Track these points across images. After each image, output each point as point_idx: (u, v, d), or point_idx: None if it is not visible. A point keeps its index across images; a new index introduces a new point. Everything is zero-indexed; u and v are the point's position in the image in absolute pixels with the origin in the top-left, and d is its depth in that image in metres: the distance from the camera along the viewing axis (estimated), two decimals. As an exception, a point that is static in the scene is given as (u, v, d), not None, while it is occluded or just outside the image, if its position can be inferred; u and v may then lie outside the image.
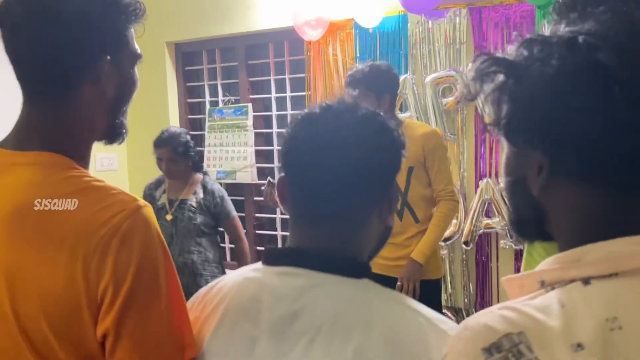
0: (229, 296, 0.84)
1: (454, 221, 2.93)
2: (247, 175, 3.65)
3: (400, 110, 3.06)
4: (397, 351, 0.72)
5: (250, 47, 3.75)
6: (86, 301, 0.76)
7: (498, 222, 2.84)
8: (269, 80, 3.70)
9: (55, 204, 0.77)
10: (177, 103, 4.02)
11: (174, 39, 3.91)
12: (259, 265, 0.87)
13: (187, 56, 4.02)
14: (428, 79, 2.94)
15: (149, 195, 2.89)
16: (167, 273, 0.80)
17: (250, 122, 3.67)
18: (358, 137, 0.81)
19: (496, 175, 2.87)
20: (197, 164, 2.88)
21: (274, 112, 3.69)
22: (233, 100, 3.84)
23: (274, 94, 3.68)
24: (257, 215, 3.83)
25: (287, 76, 3.62)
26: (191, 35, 3.83)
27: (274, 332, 0.77)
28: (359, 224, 0.84)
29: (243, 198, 3.84)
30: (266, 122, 3.80)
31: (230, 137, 3.74)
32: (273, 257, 0.85)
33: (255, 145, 3.71)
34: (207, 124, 3.84)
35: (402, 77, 3.00)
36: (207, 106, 3.92)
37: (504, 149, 0.68)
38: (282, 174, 0.88)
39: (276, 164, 3.71)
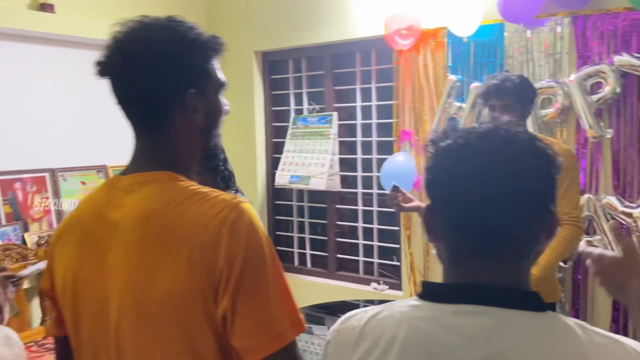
0: (398, 336, 0.80)
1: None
2: (322, 182, 3.64)
3: (495, 121, 2.97)
4: None
5: (337, 55, 3.77)
6: (208, 285, 0.86)
7: (600, 240, 2.71)
8: (354, 89, 3.71)
9: (173, 208, 0.91)
10: (263, 111, 4.09)
11: (262, 48, 3.99)
12: (416, 302, 0.83)
13: (273, 65, 4.09)
14: (525, 89, 2.84)
15: None
16: (271, 256, 0.90)
17: (334, 130, 3.68)
18: (526, 168, 0.79)
19: (596, 190, 2.74)
20: (226, 180, 2.50)
21: (359, 121, 3.69)
22: (318, 109, 3.87)
23: (359, 103, 3.68)
24: (338, 223, 3.84)
25: (373, 85, 3.62)
26: (278, 44, 3.89)
27: None
28: (526, 255, 0.82)
29: (325, 205, 3.85)
30: (350, 130, 3.80)
31: (311, 144, 3.75)
32: (441, 294, 0.82)
33: (340, 153, 3.71)
34: (289, 131, 3.89)
35: (497, 87, 2.93)
36: (292, 114, 3.97)
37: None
38: (429, 204, 0.85)
39: (360, 172, 3.70)
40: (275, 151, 4.10)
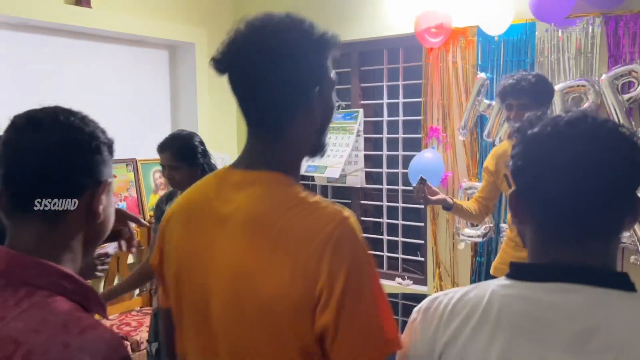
0: (491, 313, 0.84)
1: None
2: (337, 171, 3.66)
3: (525, 118, 3.02)
4: None
5: (364, 53, 3.82)
6: (306, 299, 0.86)
7: (628, 237, 2.75)
8: (381, 86, 3.75)
9: (280, 215, 0.90)
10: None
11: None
12: (506, 281, 0.88)
13: (299, 61, 4.12)
14: (558, 87, 2.88)
15: (159, 210, 2.61)
16: (371, 274, 0.89)
17: (359, 127, 3.72)
18: (615, 155, 0.83)
19: (627, 188, 2.78)
20: (206, 173, 2.18)
21: (385, 118, 3.74)
22: (344, 106, 3.91)
23: (385, 100, 3.73)
24: (362, 218, 3.88)
25: (400, 82, 3.66)
26: (305, 41, 3.92)
27: (570, 349, 0.78)
28: (614, 239, 0.86)
29: (350, 201, 3.90)
30: (376, 128, 3.85)
31: (333, 138, 3.77)
32: (533, 273, 0.86)
33: (365, 150, 3.76)
34: (315, 128, 3.92)
35: (527, 86, 2.97)
36: (317, 110, 4.00)
37: None
38: (516, 189, 0.90)
39: (385, 168, 3.75)
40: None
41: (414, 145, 3.59)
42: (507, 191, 2.42)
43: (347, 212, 0.91)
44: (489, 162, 2.58)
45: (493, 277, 2.52)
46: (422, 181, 2.46)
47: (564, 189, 0.83)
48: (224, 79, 0.98)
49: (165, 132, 3.96)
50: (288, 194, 0.93)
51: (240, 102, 0.97)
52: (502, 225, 3.14)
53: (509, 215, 2.63)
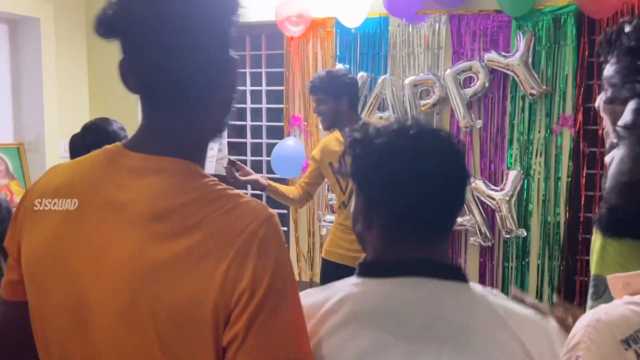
0: (345, 310, 0.88)
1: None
2: (212, 165, 3.63)
3: (379, 109, 3.16)
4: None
5: (226, 38, 3.75)
6: (224, 304, 0.76)
7: (469, 220, 3.00)
8: (244, 72, 3.72)
9: (197, 210, 0.78)
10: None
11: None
12: (356, 279, 0.93)
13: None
14: (407, 80, 3.06)
15: None
16: (293, 281, 0.82)
17: (223, 113, 3.67)
18: (456, 167, 0.93)
19: (468, 175, 3.03)
20: None
21: (249, 105, 3.72)
22: (206, 91, 3.82)
23: (248, 87, 3.70)
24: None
25: (263, 70, 3.65)
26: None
27: (417, 339, 0.83)
28: (447, 237, 0.98)
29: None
30: (239, 115, 3.81)
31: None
32: (383, 270, 0.92)
33: (228, 137, 3.72)
34: (177, 114, 3.81)
35: (381, 78, 3.12)
36: (178, 96, 3.88)
37: (619, 150, 0.77)
38: (365, 199, 0.95)
39: (249, 156, 3.73)
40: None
41: (278, 133, 3.62)
42: (331, 178, 2.66)
43: (270, 210, 0.82)
44: (315, 152, 2.80)
45: (327, 261, 2.72)
46: (231, 163, 2.61)
47: (414, 201, 0.89)
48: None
49: (5, 114, 3.63)
50: (202, 186, 0.81)
51: (140, 74, 0.83)
52: (319, 213, 3.36)
53: (336, 203, 2.81)
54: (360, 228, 0.96)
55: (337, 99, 2.56)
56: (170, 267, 0.77)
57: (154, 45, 0.80)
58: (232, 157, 2.67)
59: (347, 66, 3.23)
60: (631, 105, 0.76)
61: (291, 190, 2.86)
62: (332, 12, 3.21)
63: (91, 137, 2.22)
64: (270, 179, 3.67)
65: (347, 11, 3.15)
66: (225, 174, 3.67)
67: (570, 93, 2.82)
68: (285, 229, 3.66)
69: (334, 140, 2.70)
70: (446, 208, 0.92)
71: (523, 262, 2.97)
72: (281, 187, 2.83)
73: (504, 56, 2.88)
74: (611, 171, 0.79)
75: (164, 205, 0.80)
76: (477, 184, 2.99)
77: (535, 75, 2.83)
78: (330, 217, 3.34)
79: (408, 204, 0.89)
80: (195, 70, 0.82)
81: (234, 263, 0.76)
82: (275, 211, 0.83)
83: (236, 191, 0.84)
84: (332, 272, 2.76)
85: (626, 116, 0.76)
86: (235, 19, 0.88)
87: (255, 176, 2.68)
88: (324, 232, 3.42)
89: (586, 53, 2.77)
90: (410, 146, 0.90)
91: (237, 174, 2.60)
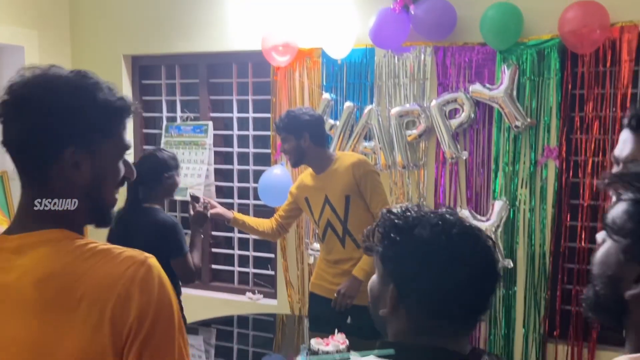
0: None
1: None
2: (200, 192, 3.63)
3: (365, 139, 3.18)
4: None
5: (213, 65, 3.75)
6: (114, 344, 0.86)
7: (455, 250, 3.01)
8: (231, 99, 3.72)
9: (74, 269, 0.88)
10: (132, 116, 3.92)
11: (132, 52, 3.84)
12: None
13: (144, 70, 3.95)
14: (393, 111, 3.07)
15: None
16: (179, 316, 0.92)
17: (209, 140, 3.67)
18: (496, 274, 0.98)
19: (454, 205, 3.05)
20: None
21: (235, 132, 3.71)
22: (192, 117, 3.82)
23: (235, 114, 3.70)
24: (213, 233, 3.83)
25: (250, 97, 3.65)
26: (150, 49, 3.77)
27: None
28: None
29: (200, 216, 3.81)
30: (226, 141, 3.81)
31: (187, 154, 3.71)
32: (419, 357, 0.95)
33: (215, 163, 3.70)
34: (163, 140, 3.80)
35: (367, 108, 3.13)
36: (164, 122, 3.87)
37: (605, 242, 0.79)
38: (397, 288, 0.96)
39: (236, 183, 3.72)
40: (146, 159, 3.97)
41: (264, 160, 3.61)
42: (309, 213, 2.73)
43: (147, 254, 0.92)
44: (293, 187, 2.90)
45: (314, 294, 2.74)
46: (194, 199, 2.70)
47: (450, 298, 0.92)
48: None
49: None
50: (78, 248, 0.91)
51: (7, 150, 0.95)
52: (306, 241, 3.39)
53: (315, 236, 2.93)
54: (385, 311, 0.97)
55: (298, 136, 2.64)
56: (60, 325, 0.86)
57: (10, 122, 0.94)
58: (192, 192, 2.77)
59: (334, 96, 3.24)
60: (622, 206, 0.78)
61: (263, 223, 2.94)
62: (319, 43, 3.22)
63: (144, 165, 2.46)
64: (257, 206, 3.70)
65: (333, 42, 3.17)
66: (214, 198, 3.66)
67: (555, 125, 2.85)
68: (272, 255, 3.65)
69: (308, 175, 2.77)
70: (479, 307, 0.95)
71: (510, 292, 2.99)
72: (250, 220, 2.92)
73: (489, 88, 2.91)
74: (599, 258, 0.83)
75: (44, 275, 0.88)
76: (464, 213, 3.00)
77: (520, 108, 2.86)
78: (317, 246, 3.34)
79: (444, 300, 0.92)
80: (31, 151, 0.93)
81: (117, 304, 0.86)
82: (150, 255, 0.92)
83: (110, 246, 0.93)
84: (318, 305, 2.77)
85: (617, 216, 0.78)
86: (102, 116, 0.96)
87: (219, 210, 2.78)
88: (311, 260, 3.41)
89: (569, 86, 2.81)
90: (454, 248, 0.92)
91: (202, 208, 2.67)
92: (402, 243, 0.94)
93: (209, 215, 2.71)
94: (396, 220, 0.96)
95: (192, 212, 2.68)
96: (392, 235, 0.95)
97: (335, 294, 2.59)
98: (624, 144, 1.20)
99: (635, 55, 2.68)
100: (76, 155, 0.93)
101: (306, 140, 2.64)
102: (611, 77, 2.74)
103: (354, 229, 2.64)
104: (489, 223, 2.94)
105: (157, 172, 2.52)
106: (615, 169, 1.21)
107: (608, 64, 2.73)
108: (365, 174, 2.59)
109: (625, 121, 1.20)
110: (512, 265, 2.94)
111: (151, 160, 2.55)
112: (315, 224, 2.81)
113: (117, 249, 0.92)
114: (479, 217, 3.00)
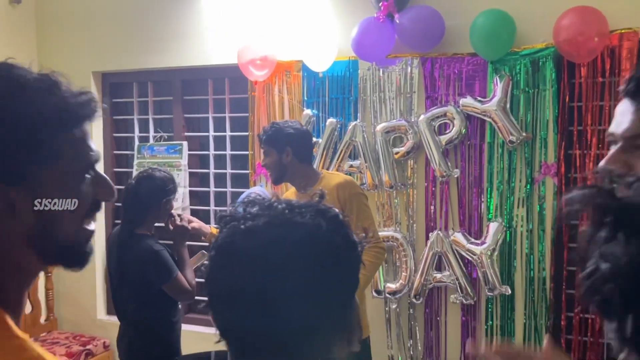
0: None
1: (404, 274, 2.85)
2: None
3: (350, 157, 2.96)
4: None
5: (187, 81, 3.54)
6: None
7: (448, 276, 2.79)
8: (207, 117, 3.50)
9: None
10: (102, 137, 3.70)
11: (102, 69, 3.62)
12: None
13: (115, 87, 3.73)
14: (379, 127, 2.87)
15: None
16: None
17: (184, 161, 3.43)
18: None
19: (446, 227, 2.83)
20: None
21: (212, 152, 3.48)
22: (166, 137, 3.59)
23: (212, 133, 3.48)
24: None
25: (227, 115, 3.44)
26: (121, 65, 3.56)
27: None
28: None
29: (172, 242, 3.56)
30: (202, 161, 3.58)
31: (160, 176, 3.46)
32: None
33: (190, 185, 3.47)
34: (135, 161, 3.56)
35: (351, 124, 2.92)
36: (136, 142, 3.64)
37: None
38: None
39: (212, 206, 3.49)
40: (118, 182, 3.72)
41: (242, 182, 3.39)
42: None
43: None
44: None
45: None
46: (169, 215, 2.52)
47: None
48: None
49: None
50: None
51: None
52: None
53: None
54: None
55: (281, 150, 2.42)
56: None
57: None
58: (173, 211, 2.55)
59: (315, 111, 3.04)
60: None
61: None
62: (299, 55, 3.03)
63: (141, 187, 2.37)
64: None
65: (314, 54, 2.97)
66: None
67: (552, 140, 2.66)
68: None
69: (292, 194, 2.53)
70: None
71: (508, 320, 2.76)
72: None
73: (481, 101, 2.71)
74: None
75: None
76: (456, 236, 2.78)
77: (514, 121, 2.66)
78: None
79: None
80: None
81: None
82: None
83: (19, 342, 0.67)
84: None
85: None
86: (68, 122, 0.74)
87: (196, 224, 2.59)
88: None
89: (567, 98, 2.62)
90: None
91: (180, 223, 2.51)
92: None
93: (189, 228, 2.52)
94: None
95: (171, 228, 2.50)
96: None
97: None
98: (621, 116, 0.94)
99: (636, 64, 2.50)
100: (12, 194, 0.69)
101: (289, 155, 2.42)
102: (611, 88, 2.56)
103: None
104: (483, 247, 2.72)
105: (156, 197, 2.39)
106: (613, 150, 0.95)
107: (607, 74, 2.55)
108: (350, 197, 2.36)
109: (622, 89, 0.94)
110: (510, 292, 2.71)
111: (150, 184, 2.40)
112: None
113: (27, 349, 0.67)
114: (472, 239, 2.78)
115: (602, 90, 2.57)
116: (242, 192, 3.16)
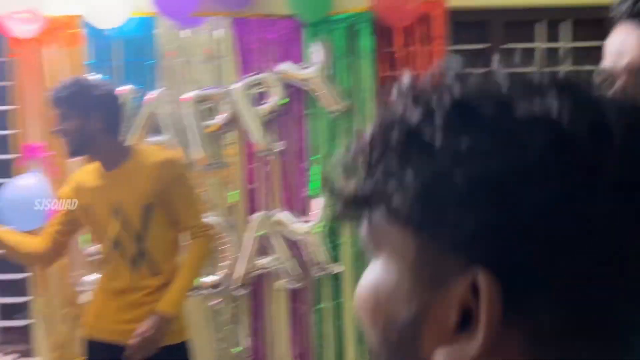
0: None
1: (226, 263, 2.54)
2: None
3: (154, 133, 2.51)
4: None
5: None
6: None
7: (276, 259, 2.55)
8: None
9: None
10: None
11: None
12: None
13: None
14: (187, 96, 2.48)
15: None
16: None
17: None
18: None
19: (269, 207, 2.59)
20: None
21: (-45, 134, 2.66)
22: None
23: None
24: None
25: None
26: None
27: None
28: None
29: None
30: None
31: None
32: None
33: None
34: None
35: (152, 93, 2.47)
36: None
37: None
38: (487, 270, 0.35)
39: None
40: None
41: (4, 170, 2.66)
42: (93, 224, 2.00)
43: None
44: (65, 191, 2.11)
45: (92, 342, 2.02)
46: None
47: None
48: None
49: None
50: None
51: None
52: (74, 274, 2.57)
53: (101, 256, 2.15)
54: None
55: (86, 116, 1.93)
56: None
57: None
58: None
59: (105, 77, 2.50)
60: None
61: (31, 243, 2.08)
62: (77, 9, 2.45)
63: None
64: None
65: (98, 8, 2.43)
66: None
67: (370, 109, 2.59)
68: (22, 299, 2.70)
69: (90, 173, 2.02)
70: None
71: (338, 302, 2.64)
72: (13, 239, 2.04)
73: (299, 68, 2.51)
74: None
75: None
76: (280, 217, 2.55)
77: (335, 90, 2.52)
78: (93, 278, 2.54)
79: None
80: None
81: None
82: None
83: None
84: (99, 355, 2.04)
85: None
86: None
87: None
88: (85, 298, 2.59)
89: (384, 67, 2.57)
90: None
91: None
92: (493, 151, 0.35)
93: None
94: (456, 92, 0.37)
95: None
96: (459, 136, 0.36)
97: (131, 339, 1.89)
98: (622, 45, 0.76)
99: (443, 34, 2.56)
100: None
101: (97, 123, 1.93)
102: (424, 58, 2.58)
103: (154, 250, 1.97)
104: (310, 224, 2.54)
105: None
106: (618, 83, 0.74)
107: (419, 43, 2.56)
108: (176, 179, 1.96)
109: (622, 10, 0.76)
110: (341, 269, 2.59)
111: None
112: (97, 241, 2.07)
113: None
114: (298, 219, 2.57)
115: (416, 59, 2.58)
116: (4, 183, 2.46)
